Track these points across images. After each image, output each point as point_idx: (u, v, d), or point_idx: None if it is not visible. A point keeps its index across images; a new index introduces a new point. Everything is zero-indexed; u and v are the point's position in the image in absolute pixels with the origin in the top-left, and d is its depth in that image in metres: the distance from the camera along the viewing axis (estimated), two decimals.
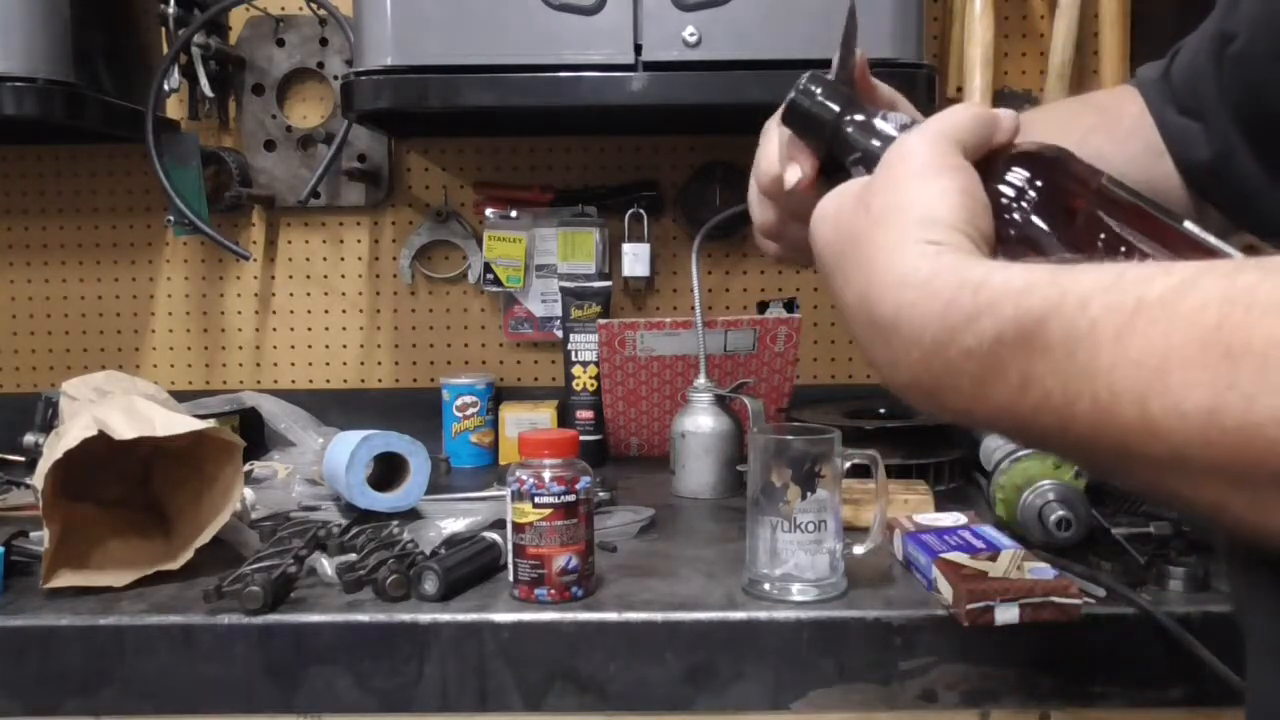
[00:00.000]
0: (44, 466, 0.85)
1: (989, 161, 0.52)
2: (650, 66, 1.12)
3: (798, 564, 0.82)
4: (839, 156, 0.60)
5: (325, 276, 1.51)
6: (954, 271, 0.45)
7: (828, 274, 0.53)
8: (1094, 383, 0.37)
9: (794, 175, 0.62)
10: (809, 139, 0.61)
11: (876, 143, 0.58)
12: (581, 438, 0.87)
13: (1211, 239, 0.47)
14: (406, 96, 1.14)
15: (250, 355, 1.52)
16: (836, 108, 0.59)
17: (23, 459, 1.27)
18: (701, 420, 1.20)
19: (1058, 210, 0.50)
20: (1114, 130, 0.69)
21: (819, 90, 0.60)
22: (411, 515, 1.06)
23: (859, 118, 0.59)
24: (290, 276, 1.51)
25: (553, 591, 0.82)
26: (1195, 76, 0.66)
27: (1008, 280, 0.42)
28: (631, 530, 1.02)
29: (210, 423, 0.90)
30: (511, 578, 0.84)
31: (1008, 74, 1.46)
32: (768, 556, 0.82)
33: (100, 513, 0.94)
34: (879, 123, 0.59)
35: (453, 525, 0.97)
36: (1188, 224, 0.48)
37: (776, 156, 0.65)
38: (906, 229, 0.48)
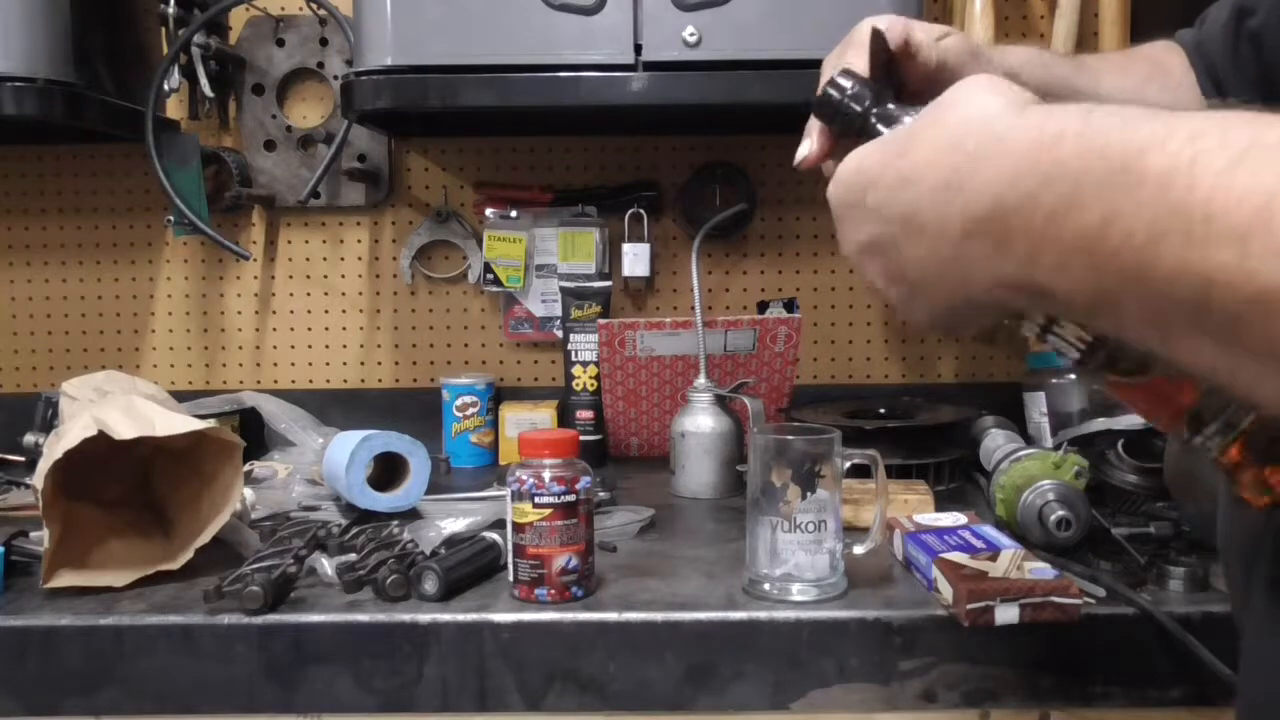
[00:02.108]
0: (44, 466, 0.85)
1: None
2: (650, 66, 1.12)
3: (798, 564, 0.82)
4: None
5: (325, 276, 1.51)
6: (1053, 105, 0.43)
7: (870, 179, 0.50)
8: (1188, 218, 0.35)
9: (803, 151, 0.63)
10: (836, 131, 0.61)
11: None
12: (581, 438, 0.87)
13: None
14: (406, 96, 1.14)
15: (250, 355, 1.52)
16: (859, 108, 0.59)
17: (23, 459, 1.27)
18: (701, 420, 1.20)
19: None
20: (1166, 81, 0.69)
21: (849, 86, 0.60)
22: (411, 515, 1.06)
23: (886, 112, 0.59)
24: (290, 276, 1.51)
25: (553, 591, 0.82)
26: (1214, 50, 0.66)
27: (1119, 111, 0.40)
28: (631, 530, 1.02)
29: (210, 423, 0.90)
30: (511, 578, 0.84)
31: None
32: (768, 556, 0.82)
33: (100, 513, 0.94)
34: (907, 120, 0.58)
35: (453, 525, 0.97)
36: None
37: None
38: (981, 97, 0.46)
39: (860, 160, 0.51)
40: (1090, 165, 0.38)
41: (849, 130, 0.60)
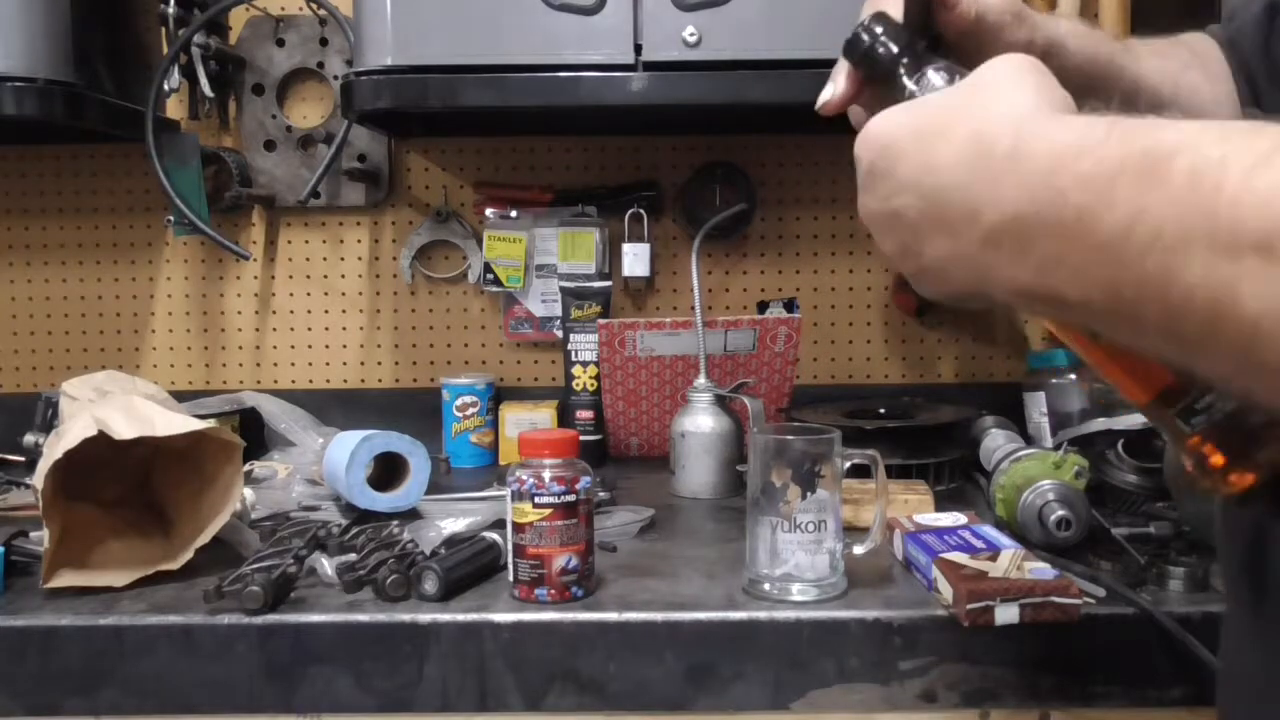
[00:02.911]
0: (44, 466, 0.85)
1: None
2: (650, 66, 1.12)
3: (798, 564, 0.82)
4: (891, 96, 0.59)
5: (325, 276, 1.51)
6: (1088, 114, 0.43)
7: (900, 151, 0.49)
8: (1214, 219, 0.34)
9: (826, 94, 0.61)
10: (864, 75, 0.60)
11: (925, 94, 0.57)
12: (581, 438, 0.87)
13: None
14: (406, 96, 1.14)
15: (250, 355, 1.52)
16: (888, 53, 0.58)
17: (23, 459, 1.27)
18: (701, 420, 1.20)
19: None
20: (1206, 70, 0.69)
21: (880, 30, 0.59)
22: (411, 515, 1.06)
23: (916, 62, 0.58)
24: (290, 276, 1.51)
25: (553, 591, 0.82)
26: (1246, 46, 0.66)
27: (1148, 119, 0.39)
28: (631, 530, 1.02)
29: (210, 423, 0.90)
30: (511, 578, 0.84)
31: None
32: (768, 556, 0.82)
33: (100, 513, 0.94)
34: (931, 73, 0.58)
35: (453, 525, 0.97)
36: None
37: None
38: (1010, 93, 0.46)
39: (894, 128, 0.50)
40: (1120, 167, 0.38)
41: (876, 75, 0.59)
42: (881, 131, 0.51)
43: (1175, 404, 0.46)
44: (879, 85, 0.58)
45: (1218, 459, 0.46)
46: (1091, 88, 0.60)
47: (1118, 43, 0.69)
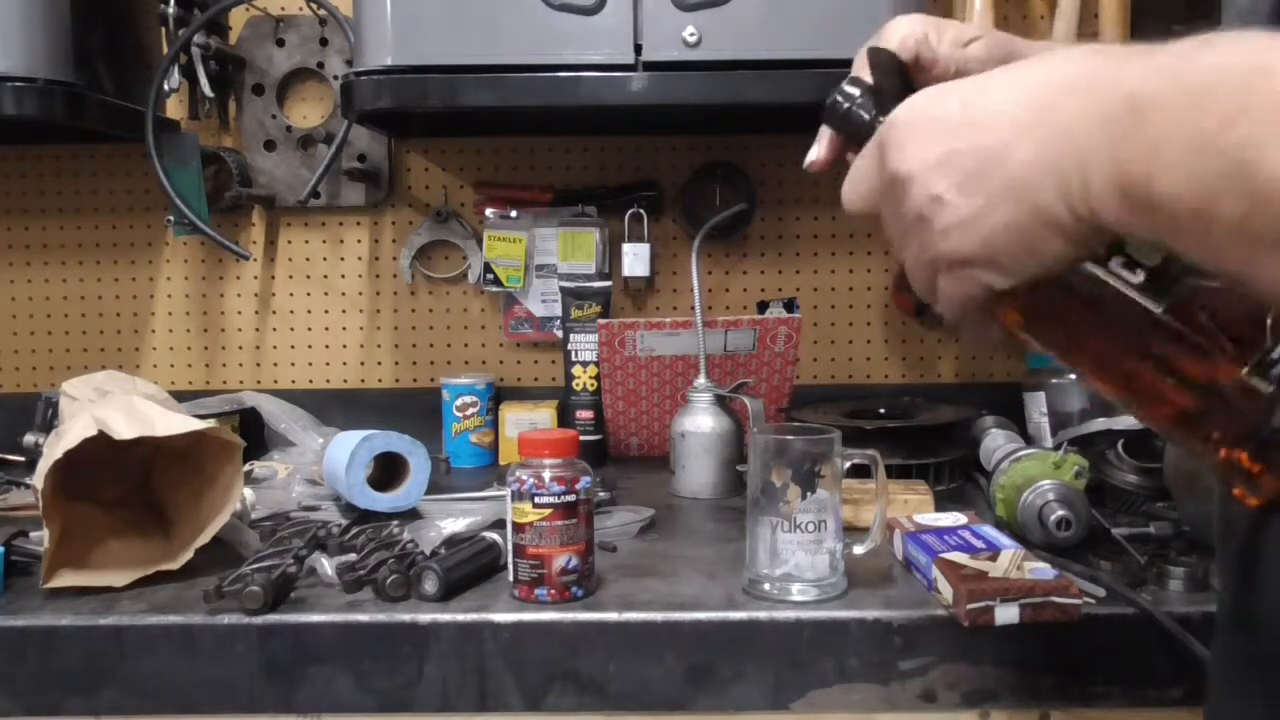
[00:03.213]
0: (44, 466, 0.85)
1: None
2: (650, 66, 1.12)
3: (798, 564, 0.82)
4: None
5: (325, 276, 1.51)
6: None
7: (963, 95, 0.50)
8: None
9: (812, 155, 0.65)
10: (844, 136, 0.63)
11: None
12: (581, 438, 0.87)
13: None
14: (406, 96, 1.14)
15: (250, 355, 1.52)
16: (865, 116, 0.60)
17: (23, 459, 1.27)
18: (701, 420, 1.20)
19: None
20: None
21: (856, 94, 0.61)
22: (411, 515, 1.06)
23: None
24: (290, 276, 1.51)
25: (553, 591, 0.82)
26: None
27: (1256, 35, 0.42)
28: (631, 530, 1.02)
29: (210, 423, 0.90)
30: (511, 578, 0.84)
31: None
32: (768, 556, 0.82)
33: (100, 513, 0.94)
34: None
35: (453, 525, 0.98)
36: None
37: None
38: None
39: (935, 94, 0.51)
40: (1228, 70, 0.40)
41: (856, 137, 0.61)
42: (928, 92, 0.52)
43: (1243, 364, 0.46)
44: (861, 146, 0.59)
45: (1257, 468, 0.46)
46: None
47: None
